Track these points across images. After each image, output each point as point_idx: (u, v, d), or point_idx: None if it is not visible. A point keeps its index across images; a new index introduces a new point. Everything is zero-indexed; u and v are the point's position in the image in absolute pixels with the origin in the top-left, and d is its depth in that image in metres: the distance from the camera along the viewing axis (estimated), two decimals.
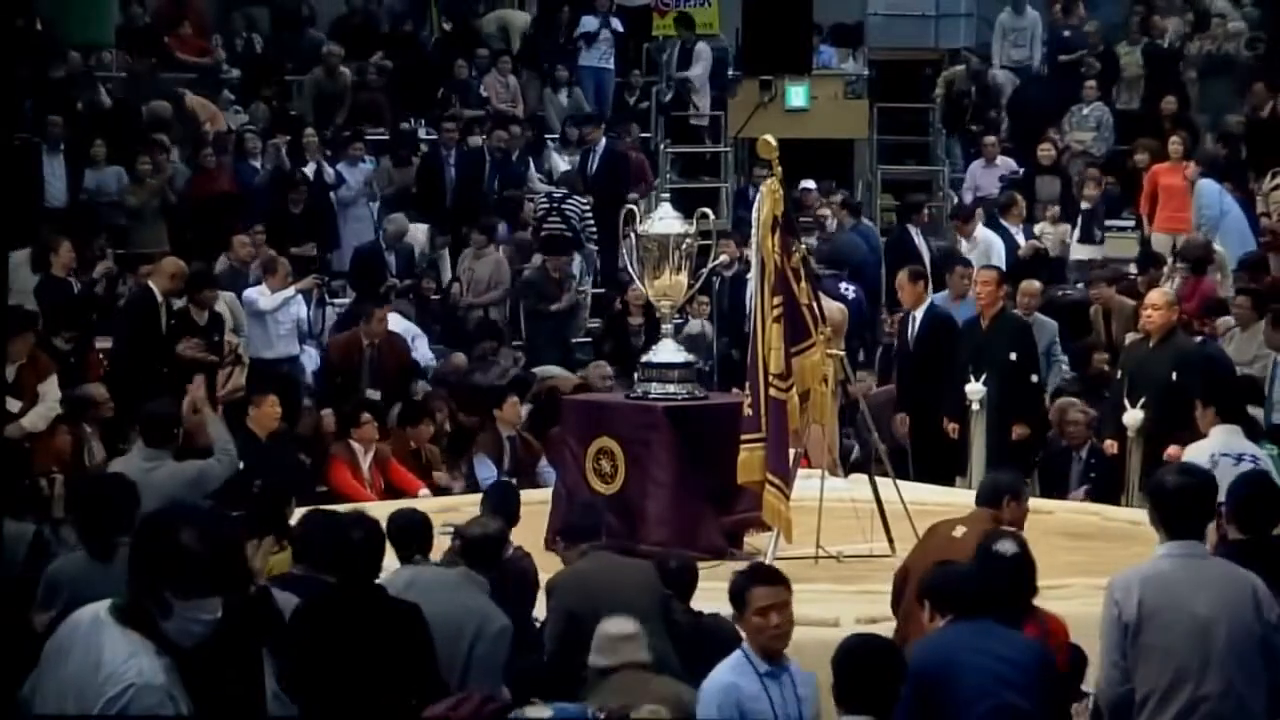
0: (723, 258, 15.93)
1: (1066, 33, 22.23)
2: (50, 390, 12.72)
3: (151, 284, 14.49)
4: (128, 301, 15.03)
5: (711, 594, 8.95)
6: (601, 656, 7.36)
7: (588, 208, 18.55)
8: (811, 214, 19.11)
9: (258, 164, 18.84)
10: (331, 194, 18.78)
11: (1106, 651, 6.79)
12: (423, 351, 16.33)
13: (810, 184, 19.68)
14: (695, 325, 16.94)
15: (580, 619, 7.97)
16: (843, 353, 11.04)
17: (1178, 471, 7.34)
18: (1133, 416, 12.64)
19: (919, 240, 18.11)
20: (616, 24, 21.72)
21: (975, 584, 7.06)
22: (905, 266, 14.84)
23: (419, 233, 18.68)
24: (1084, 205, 19.02)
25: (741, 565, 10.46)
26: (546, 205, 18.89)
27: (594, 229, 18.49)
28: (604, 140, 19.66)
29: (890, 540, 10.62)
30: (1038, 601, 7.70)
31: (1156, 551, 6.88)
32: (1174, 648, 6.66)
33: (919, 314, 14.04)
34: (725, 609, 8.63)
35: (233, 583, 5.01)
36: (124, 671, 4.86)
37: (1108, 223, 19.17)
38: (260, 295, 15.50)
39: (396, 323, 15.78)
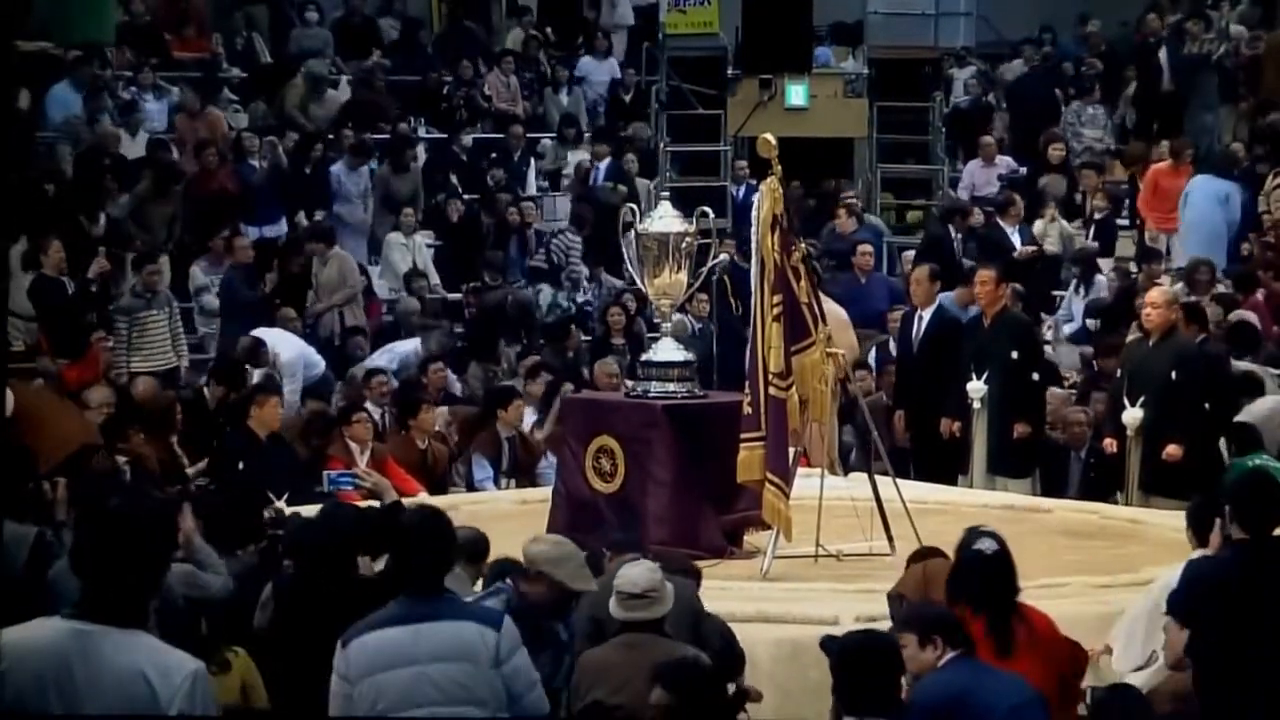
0: (723, 256, 15.92)
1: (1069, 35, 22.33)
2: None
3: None
4: None
5: (712, 593, 8.96)
6: (619, 609, 7.40)
7: (575, 245, 18.42)
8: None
9: (256, 163, 18.83)
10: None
11: None
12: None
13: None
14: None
15: (605, 626, 7.94)
16: (842, 351, 11.02)
17: None
18: (1132, 415, 12.65)
19: (1015, 238, 17.98)
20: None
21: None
22: (926, 264, 14.92)
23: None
24: (1096, 215, 19.02)
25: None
26: (535, 240, 19.02)
27: (577, 266, 18.33)
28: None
29: (890, 539, 10.62)
30: (1034, 599, 7.69)
31: None
32: None
33: (926, 313, 14.05)
34: (725, 608, 8.66)
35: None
36: (176, 664, 4.85)
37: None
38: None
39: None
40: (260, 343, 15.26)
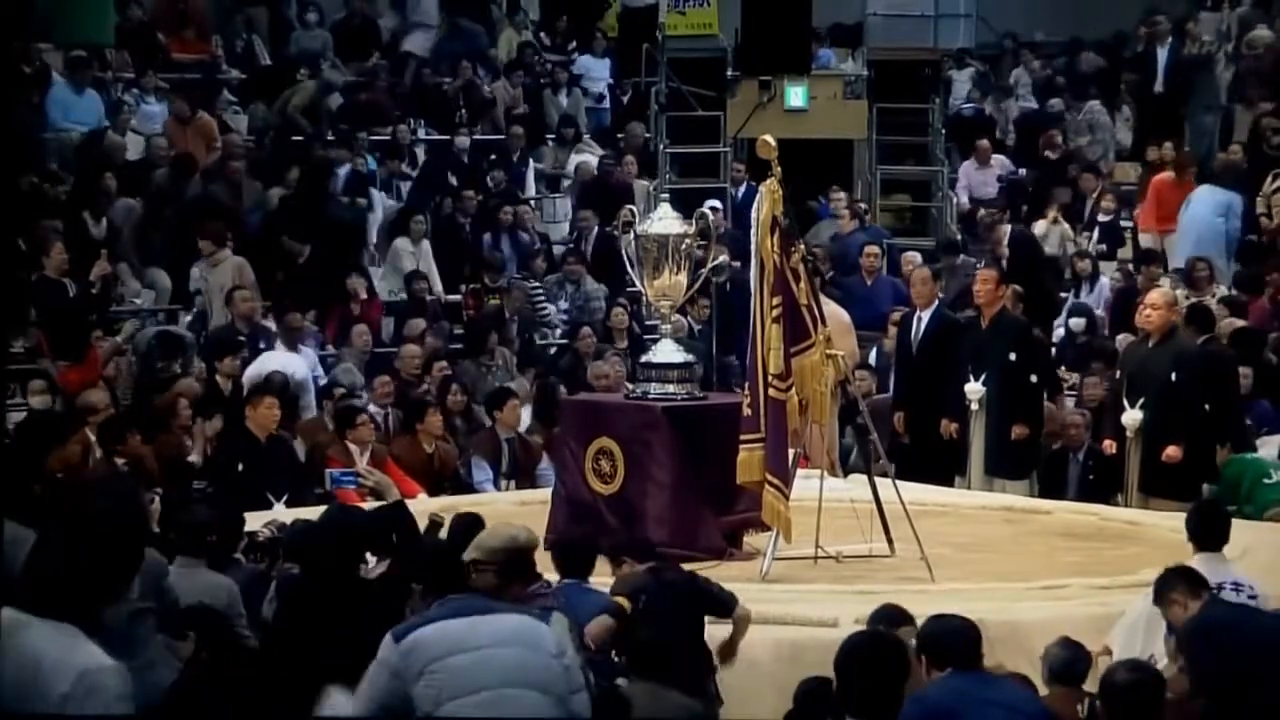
0: (722, 258, 15.91)
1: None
2: None
3: None
4: None
5: None
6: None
7: (540, 295, 18.31)
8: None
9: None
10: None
11: None
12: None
13: (717, 203, 19.39)
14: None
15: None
16: (842, 353, 11.03)
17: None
18: (1131, 417, 12.65)
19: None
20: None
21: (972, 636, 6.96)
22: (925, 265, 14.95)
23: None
24: (1101, 217, 19.02)
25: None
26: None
27: (544, 313, 18.24)
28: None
29: (890, 540, 10.63)
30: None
31: None
32: None
33: (926, 314, 14.05)
34: None
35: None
36: (78, 662, 4.79)
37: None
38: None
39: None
40: (286, 379, 14.92)
